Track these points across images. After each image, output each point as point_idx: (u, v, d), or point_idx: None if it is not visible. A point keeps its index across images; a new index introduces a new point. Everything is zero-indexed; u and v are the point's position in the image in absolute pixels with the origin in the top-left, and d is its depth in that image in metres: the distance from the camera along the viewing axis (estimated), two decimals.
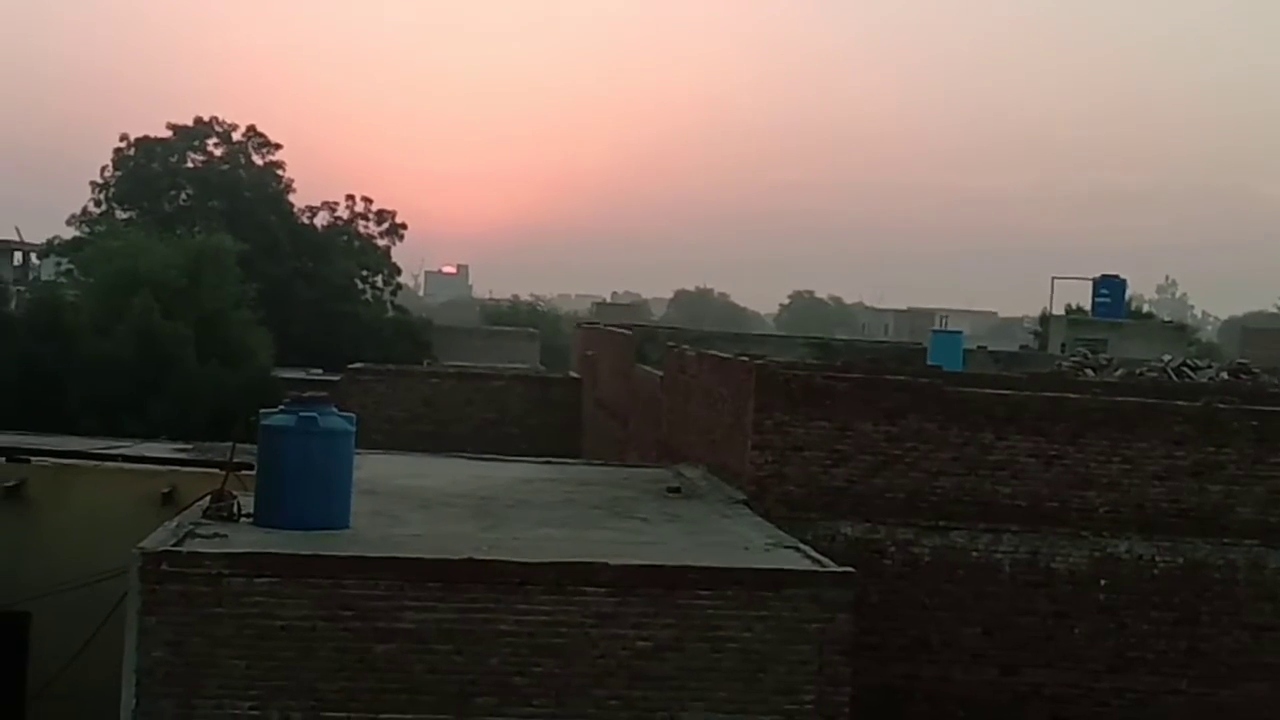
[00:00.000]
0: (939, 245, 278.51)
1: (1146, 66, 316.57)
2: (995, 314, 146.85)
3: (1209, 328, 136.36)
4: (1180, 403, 19.05)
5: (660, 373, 25.28)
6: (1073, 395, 19.16)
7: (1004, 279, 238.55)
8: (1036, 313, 69.74)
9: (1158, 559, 18.16)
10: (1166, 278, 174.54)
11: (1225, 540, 18.21)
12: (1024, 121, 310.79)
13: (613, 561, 13.94)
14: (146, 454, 21.73)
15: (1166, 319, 75.04)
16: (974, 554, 18.01)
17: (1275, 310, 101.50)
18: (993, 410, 18.26)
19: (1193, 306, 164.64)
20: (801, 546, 15.68)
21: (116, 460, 21.07)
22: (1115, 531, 18.14)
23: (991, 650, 17.96)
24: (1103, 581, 18.08)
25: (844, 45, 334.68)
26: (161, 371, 36.52)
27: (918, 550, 17.98)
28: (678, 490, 19.29)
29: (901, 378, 18.95)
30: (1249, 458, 18.28)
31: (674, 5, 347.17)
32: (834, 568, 14.55)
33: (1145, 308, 75.11)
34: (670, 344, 25.80)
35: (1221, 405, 18.99)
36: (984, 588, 17.98)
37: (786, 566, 14.58)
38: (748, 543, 15.85)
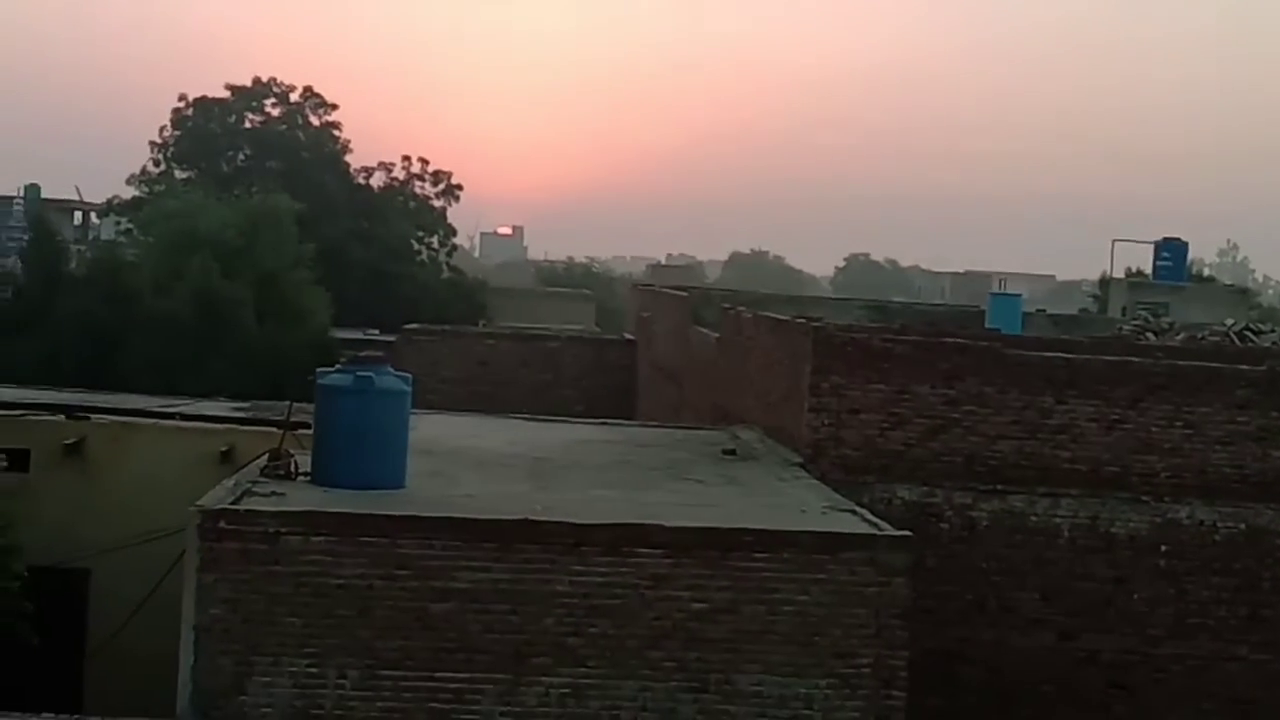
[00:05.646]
0: (997, 209, 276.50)
1: (1211, 26, 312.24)
2: (1054, 277, 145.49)
3: (1270, 291, 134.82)
4: (1244, 367, 18.78)
5: (716, 335, 25.18)
6: (1134, 359, 18.94)
7: (1062, 242, 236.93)
8: (1095, 276, 69.15)
9: (1219, 525, 17.94)
10: (1228, 241, 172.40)
11: None
12: (1085, 87, 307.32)
13: (668, 523, 13.90)
14: (205, 412, 21.86)
15: (1228, 283, 74.14)
16: (1033, 518, 17.85)
17: None
18: (1053, 374, 18.05)
19: (1254, 270, 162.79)
20: (858, 510, 15.58)
21: (175, 418, 21.19)
22: (1177, 497, 17.93)
23: (1049, 615, 17.82)
24: (1163, 547, 17.89)
25: (905, 8, 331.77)
26: (219, 331, 36.67)
27: (975, 514, 17.83)
28: (733, 452, 19.21)
29: (960, 340, 18.78)
30: None
31: None
32: (891, 531, 14.46)
33: (1206, 271, 74.29)
34: (726, 306, 25.67)
35: None
36: (1042, 552, 17.82)
37: (843, 530, 14.49)
38: (804, 505, 15.77)
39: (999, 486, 17.86)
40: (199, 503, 13.50)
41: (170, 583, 14.85)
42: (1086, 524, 17.87)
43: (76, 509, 19.26)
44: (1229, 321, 31.84)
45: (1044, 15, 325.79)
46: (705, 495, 16.24)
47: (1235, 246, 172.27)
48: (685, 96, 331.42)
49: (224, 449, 19.35)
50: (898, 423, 17.93)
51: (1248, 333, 29.63)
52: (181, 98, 61.84)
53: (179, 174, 60.69)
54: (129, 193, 60.56)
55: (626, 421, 26.26)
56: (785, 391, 19.39)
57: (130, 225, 52.92)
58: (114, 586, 18.26)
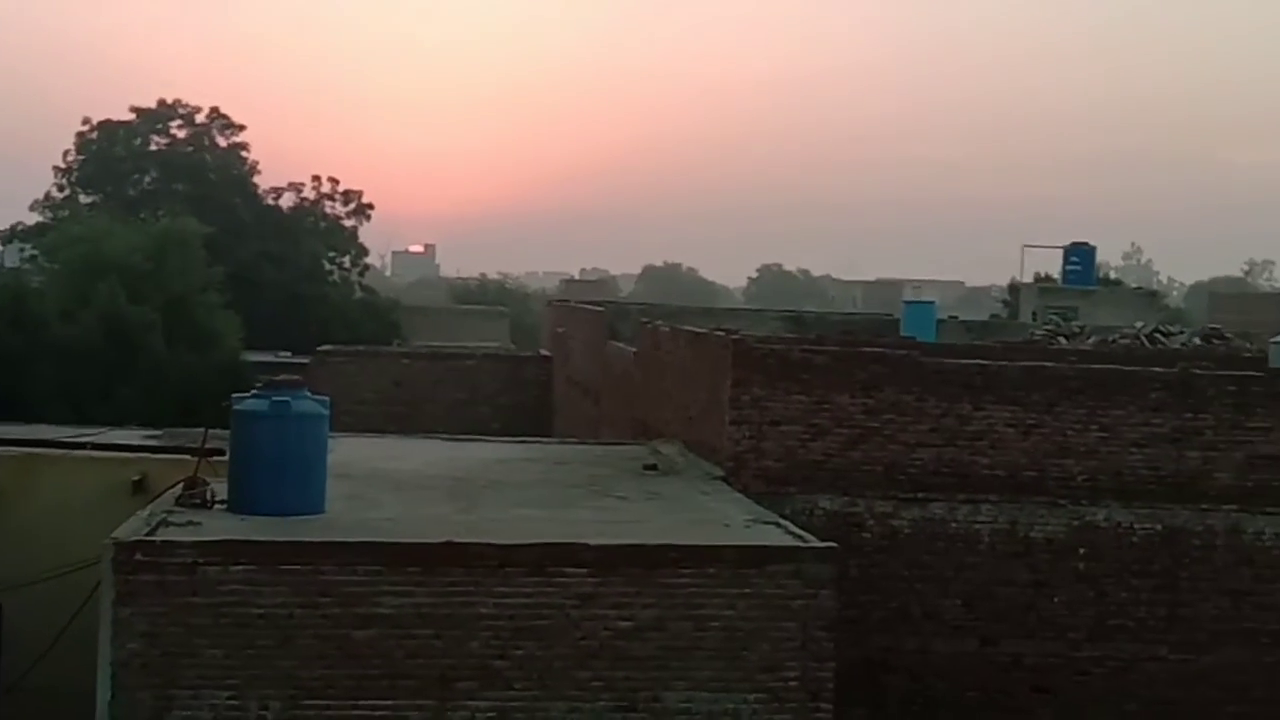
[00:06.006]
0: (905, 216, 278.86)
1: (1112, 32, 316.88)
2: (963, 283, 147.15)
3: (1175, 293, 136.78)
4: (1157, 369, 19.01)
5: (633, 349, 25.14)
6: (1049, 364, 19.10)
7: (969, 248, 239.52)
8: (1004, 281, 69.91)
9: (1136, 526, 18.13)
10: (1132, 244, 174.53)
11: (1204, 506, 18.19)
12: (989, 93, 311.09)
13: (593, 542, 13.82)
14: (116, 441, 21.46)
15: (1135, 286, 75.21)
16: (953, 525, 17.97)
17: (1242, 275, 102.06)
18: (970, 380, 18.19)
19: (1158, 273, 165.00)
20: (782, 522, 15.58)
21: (86, 448, 20.79)
22: (1094, 499, 18.11)
23: (972, 621, 17.93)
24: (1082, 550, 18.05)
25: (807, 14, 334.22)
26: (129, 357, 36.20)
27: (897, 523, 17.92)
28: (655, 467, 19.17)
29: (878, 350, 18.85)
30: (1226, 423, 18.26)
31: None
32: (816, 543, 14.46)
33: (1112, 274, 75.38)
34: (644, 320, 25.64)
35: (1198, 371, 18.95)
36: (963, 559, 17.94)
37: (768, 543, 14.49)
38: (728, 519, 15.75)
39: (919, 494, 17.97)
40: (114, 535, 13.24)
41: (87, 617, 14.55)
42: (1006, 529, 18.00)
43: None
44: (1139, 324, 32.30)
45: (949, 24, 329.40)
46: (628, 512, 16.17)
47: (1139, 249, 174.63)
48: (595, 111, 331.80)
49: (137, 478, 18.97)
50: (818, 433, 17.98)
51: (1157, 335, 30.05)
52: (85, 121, 61.01)
53: (84, 198, 59.86)
54: (33, 219, 59.63)
55: (545, 439, 26.14)
56: (705, 404, 19.38)
57: (35, 252, 52.01)
58: (27, 622, 17.86)
